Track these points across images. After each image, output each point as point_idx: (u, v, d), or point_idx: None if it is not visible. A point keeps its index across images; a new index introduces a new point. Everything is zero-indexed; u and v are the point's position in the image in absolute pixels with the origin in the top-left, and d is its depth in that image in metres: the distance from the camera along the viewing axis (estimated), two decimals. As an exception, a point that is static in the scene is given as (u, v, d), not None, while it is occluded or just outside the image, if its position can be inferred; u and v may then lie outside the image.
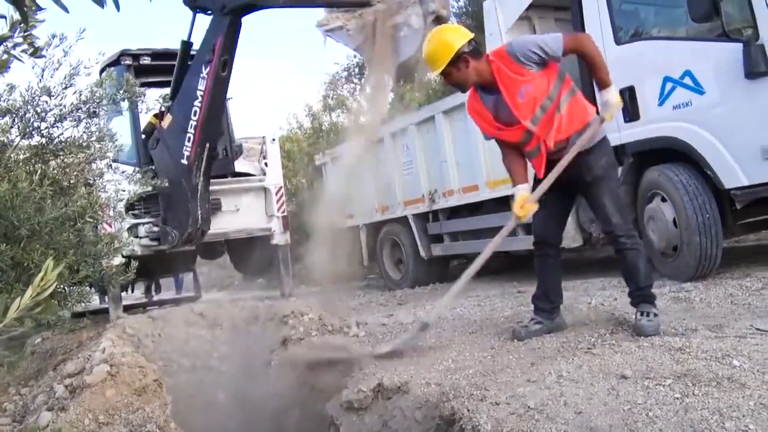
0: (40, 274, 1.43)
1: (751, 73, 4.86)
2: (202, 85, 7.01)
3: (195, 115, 7.11)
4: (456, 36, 3.92)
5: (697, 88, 5.26)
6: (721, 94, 5.14)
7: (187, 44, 7.49)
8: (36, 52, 2.06)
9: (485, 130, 4.15)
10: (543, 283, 4.28)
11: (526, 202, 3.93)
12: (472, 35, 3.96)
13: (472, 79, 3.97)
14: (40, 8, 1.85)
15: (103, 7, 1.53)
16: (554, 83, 3.82)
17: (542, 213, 4.11)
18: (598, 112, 3.95)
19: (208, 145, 7.29)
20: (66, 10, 1.56)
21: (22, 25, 1.90)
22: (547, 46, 3.72)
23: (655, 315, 3.74)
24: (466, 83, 4.02)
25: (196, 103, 7.06)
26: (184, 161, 7.20)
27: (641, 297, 3.85)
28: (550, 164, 3.89)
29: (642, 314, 3.75)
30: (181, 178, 7.26)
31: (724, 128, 5.11)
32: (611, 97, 3.78)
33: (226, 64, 7.04)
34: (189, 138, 7.15)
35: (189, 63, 7.52)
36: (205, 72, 6.98)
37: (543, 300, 4.25)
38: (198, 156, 7.19)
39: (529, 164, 4.13)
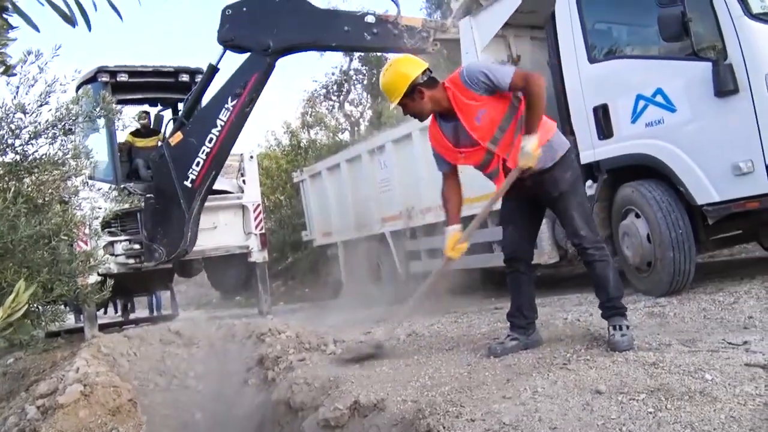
0: (12, 296, 1.41)
1: (721, 91, 4.96)
2: (224, 116, 7.06)
3: (210, 143, 7.13)
4: (410, 67, 3.95)
5: (669, 106, 5.35)
6: (692, 112, 5.23)
7: (214, 69, 7.48)
8: (8, 70, 2.05)
9: (446, 157, 4.16)
10: (516, 300, 4.28)
11: (456, 243, 4.08)
12: (426, 65, 3.99)
13: (428, 109, 4.00)
14: (11, 27, 1.85)
15: (74, 26, 1.54)
16: (510, 104, 3.87)
17: (511, 230, 4.20)
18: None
19: (214, 173, 7.30)
20: (37, 29, 1.56)
21: (-7, 43, 1.89)
22: (494, 76, 3.74)
23: (627, 327, 3.78)
24: (423, 113, 4.06)
25: (214, 131, 7.09)
26: (188, 184, 7.18)
27: (612, 309, 3.87)
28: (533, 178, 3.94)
29: (615, 329, 3.76)
30: (181, 200, 7.23)
31: (695, 145, 5.19)
32: (530, 145, 3.71)
33: (252, 101, 7.12)
34: (198, 163, 7.15)
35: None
36: (231, 104, 7.04)
37: (518, 316, 4.25)
38: (203, 182, 7.20)
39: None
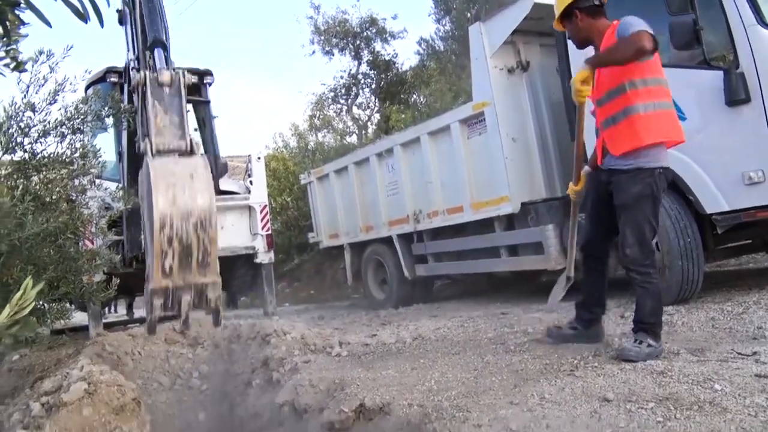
0: (19, 293, 1.40)
1: (732, 100, 4.94)
2: None
3: None
4: None
5: (679, 115, 5.29)
6: (702, 121, 5.20)
7: None
8: (19, 66, 2.04)
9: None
10: (586, 291, 4.30)
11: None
12: None
13: (582, 36, 4.04)
14: (23, 23, 1.84)
15: (86, 22, 1.53)
16: (631, 81, 3.71)
17: (587, 223, 4.23)
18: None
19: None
20: (49, 24, 1.55)
21: (4, 39, 1.88)
22: (631, 27, 3.58)
23: (649, 345, 3.61)
24: (576, 38, 4.10)
25: None
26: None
27: (642, 328, 3.74)
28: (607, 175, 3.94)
29: (635, 341, 3.67)
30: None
31: (705, 154, 5.17)
32: (576, 76, 3.65)
33: None
34: None
35: None
36: None
37: (583, 309, 4.28)
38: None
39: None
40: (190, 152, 3.44)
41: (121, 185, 6.80)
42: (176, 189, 2.94)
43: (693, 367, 3.25)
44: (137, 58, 4.20)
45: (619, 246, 3.85)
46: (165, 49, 3.82)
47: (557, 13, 4.07)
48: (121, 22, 4.76)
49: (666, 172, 3.85)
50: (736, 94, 4.93)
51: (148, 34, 3.90)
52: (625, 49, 3.57)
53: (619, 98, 3.74)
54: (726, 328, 4.31)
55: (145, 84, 3.46)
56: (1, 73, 1.99)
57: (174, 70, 3.64)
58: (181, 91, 3.56)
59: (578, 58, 6.06)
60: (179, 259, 2.91)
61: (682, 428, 2.49)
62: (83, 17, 1.53)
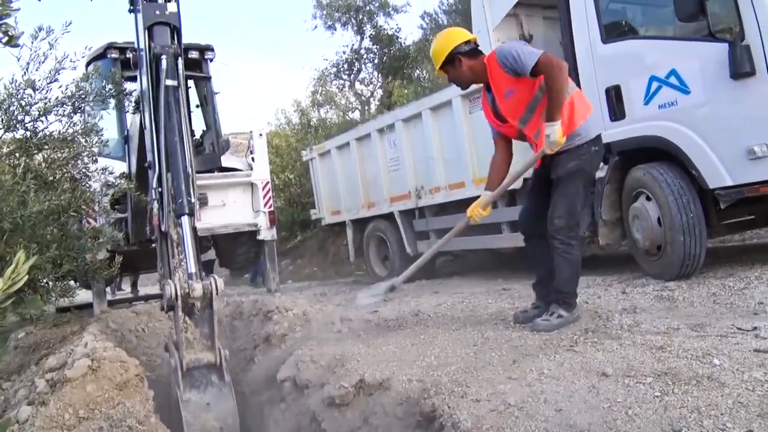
0: (11, 267, 1.40)
1: (737, 73, 4.89)
2: None
3: None
4: (454, 36, 4.19)
5: (683, 88, 5.28)
6: (706, 94, 5.16)
7: None
8: (11, 41, 2.01)
9: (492, 124, 4.37)
10: (536, 270, 4.49)
11: (479, 206, 4.25)
12: (472, 37, 4.20)
13: (467, 78, 4.22)
14: (14, -4, 1.81)
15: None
16: (540, 86, 3.93)
17: (525, 207, 4.46)
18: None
19: None
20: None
21: (-5, 13, 1.85)
22: (520, 59, 3.84)
23: (559, 316, 3.94)
24: (462, 81, 4.29)
25: None
26: None
27: (555, 298, 4.07)
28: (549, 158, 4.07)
29: (548, 312, 4.00)
30: None
31: (709, 128, 5.13)
32: (555, 134, 3.79)
33: None
34: None
35: None
36: None
37: (539, 286, 4.44)
38: None
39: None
40: (220, 365, 3.64)
41: (126, 171, 6.76)
42: None
43: (692, 342, 3.25)
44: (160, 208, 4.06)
45: (549, 215, 4.07)
46: (192, 214, 3.78)
47: (437, 62, 4.24)
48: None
49: (599, 144, 4.14)
50: (741, 67, 4.87)
51: (176, 201, 3.80)
52: (559, 81, 3.79)
53: (540, 106, 3.96)
54: (727, 304, 4.31)
55: (176, 299, 3.54)
56: (-7, 48, 1.96)
57: (204, 277, 3.69)
58: (213, 302, 3.66)
59: (582, 30, 6.04)
60: None
61: (679, 402, 2.50)
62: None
